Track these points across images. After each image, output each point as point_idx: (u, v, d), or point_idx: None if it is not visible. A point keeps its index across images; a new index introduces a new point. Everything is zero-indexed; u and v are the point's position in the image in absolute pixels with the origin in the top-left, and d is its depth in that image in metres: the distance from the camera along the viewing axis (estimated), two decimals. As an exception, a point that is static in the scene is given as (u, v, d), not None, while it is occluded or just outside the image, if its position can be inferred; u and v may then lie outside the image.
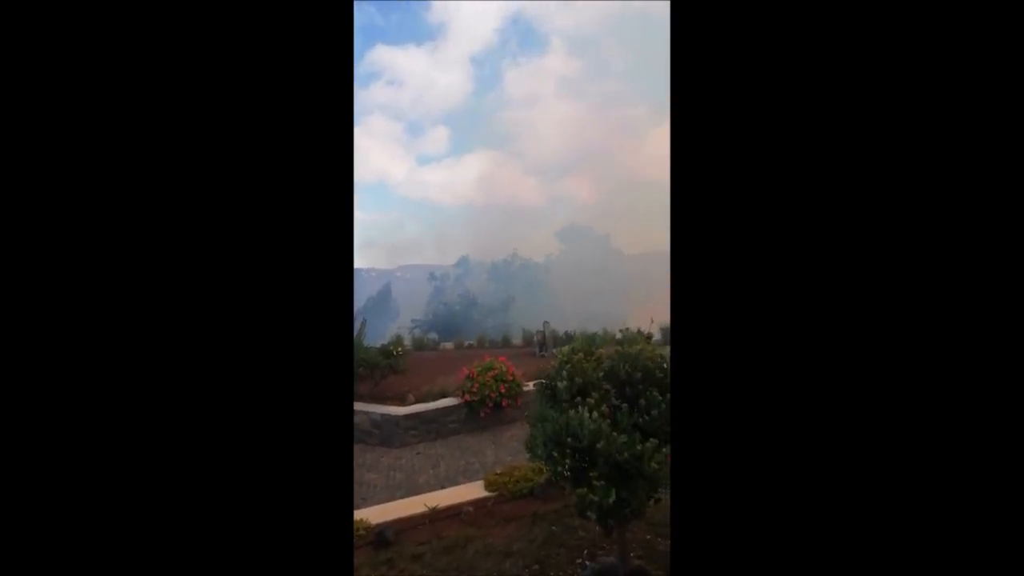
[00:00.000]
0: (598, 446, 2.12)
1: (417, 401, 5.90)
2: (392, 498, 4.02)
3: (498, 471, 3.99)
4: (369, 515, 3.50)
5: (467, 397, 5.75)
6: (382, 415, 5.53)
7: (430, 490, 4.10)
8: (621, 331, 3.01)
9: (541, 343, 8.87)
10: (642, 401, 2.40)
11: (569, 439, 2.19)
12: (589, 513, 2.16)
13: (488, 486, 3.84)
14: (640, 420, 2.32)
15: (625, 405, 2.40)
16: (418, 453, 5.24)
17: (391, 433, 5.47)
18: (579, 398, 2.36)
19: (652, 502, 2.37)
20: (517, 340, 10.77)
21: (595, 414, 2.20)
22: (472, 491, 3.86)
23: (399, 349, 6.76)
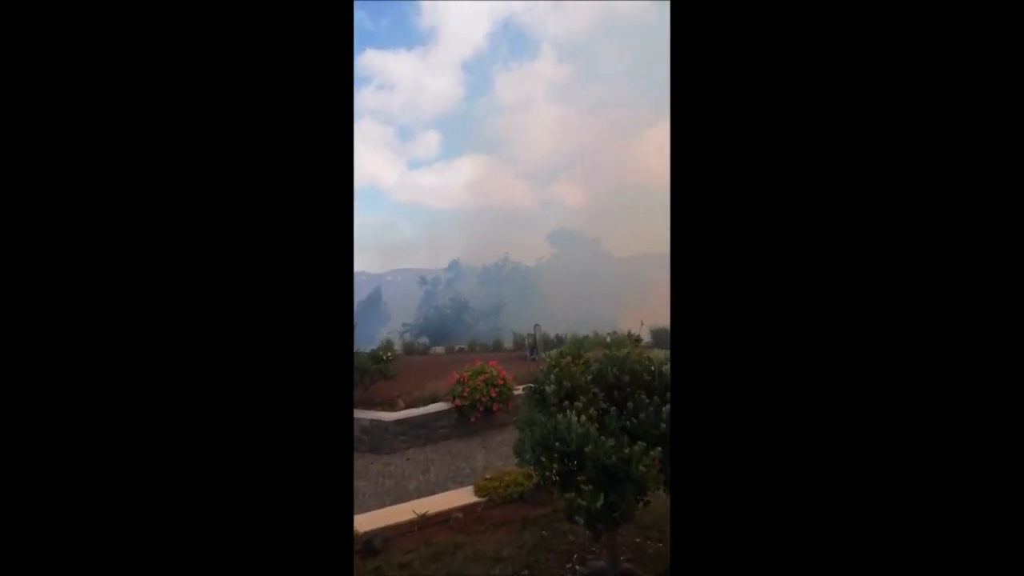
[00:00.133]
0: (586, 450, 2.12)
1: (407, 406, 5.85)
2: (381, 505, 3.98)
3: (488, 476, 3.96)
4: (357, 523, 3.45)
5: (457, 402, 5.72)
6: (371, 421, 5.47)
7: (420, 496, 4.06)
8: (609, 334, 3.02)
9: (532, 347, 8.86)
10: (630, 404, 2.40)
11: (557, 443, 2.19)
12: (577, 518, 2.15)
13: (478, 491, 3.81)
14: (628, 423, 2.33)
15: (613, 408, 2.40)
16: (408, 459, 5.19)
17: (380, 439, 5.42)
18: (567, 402, 2.36)
19: (640, 505, 2.37)
20: (508, 344, 10.75)
21: (583, 418, 2.20)
22: (462, 497, 3.83)
23: (389, 354, 6.71)
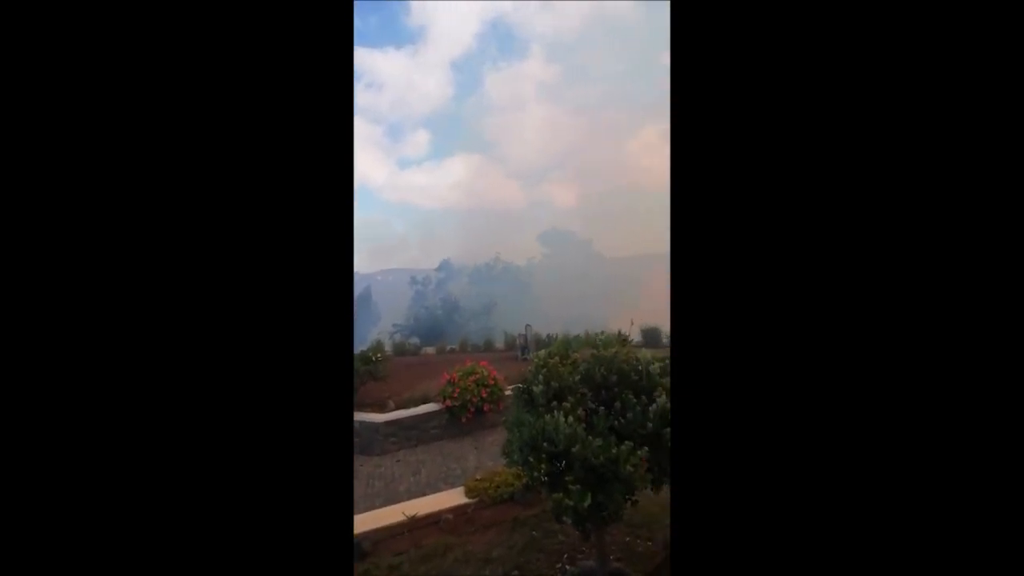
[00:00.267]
0: (573, 450, 2.12)
1: (398, 407, 5.82)
2: (371, 508, 3.95)
3: (478, 477, 3.96)
4: (346, 526, 3.42)
5: (448, 403, 5.70)
6: (361, 422, 5.43)
7: (410, 498, 4.04)
8: (597, 334, 3.03)
9: (523, 347, 8.87)
10: (617, 404, 2.42)
11: (545, 444, 2.19)
12: (565, 518, 2.16)
13: (468, 492, 3.80)
14: (616, 423, 2.34)
15: (602, 408, 2.42)
16: (398, 460, 5.17)
17: (371, 441, 5.38)
18: (555, 402, 2.36)
19: (629, 504, 2.39)
20: (500, 344, 10.74)
21: (570, 418, 2.20)
22: (452, 498, 3.82)
23: (378, 355, 6.67)
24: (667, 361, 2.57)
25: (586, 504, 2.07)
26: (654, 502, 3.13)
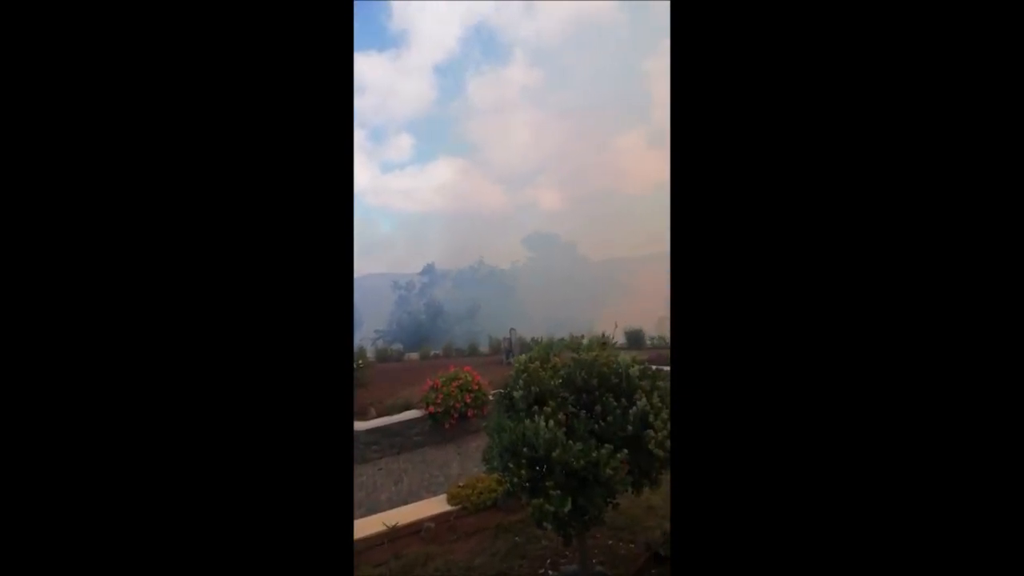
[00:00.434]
0: (553, 455, 2.11)
1: (380, 414, 5.73)
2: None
3: (461, 484, 3.91)
4: (325, 538, 3.33)
5: (431, 409, 5.63)
6: (342, 431, 5.31)
7: (392, 507, 3.97)
8: (578, 337, 3.02)
9: (508, 350, 8.85)
10: (598, 407, 2.42)
11: (525, 449, 2.17)
12: (545, 524, 2.14)
13: (451, 500, 3.75)
14: (596, 426, 2.34)
15: (583, 412, 2.41)
16: (380, 469, 5.07)
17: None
18: (536, 407, 2.35)
19: (610, 507, 2.38)
20: (484, 348, 10.70)
21: (550, 423, 2.19)
22: (434, 506, 3.76)
23: (360, 361, 6.56)
24: (647, 364, 2.58)
25: (566, 509, 2.06)
26: (636, 504, 3.15)
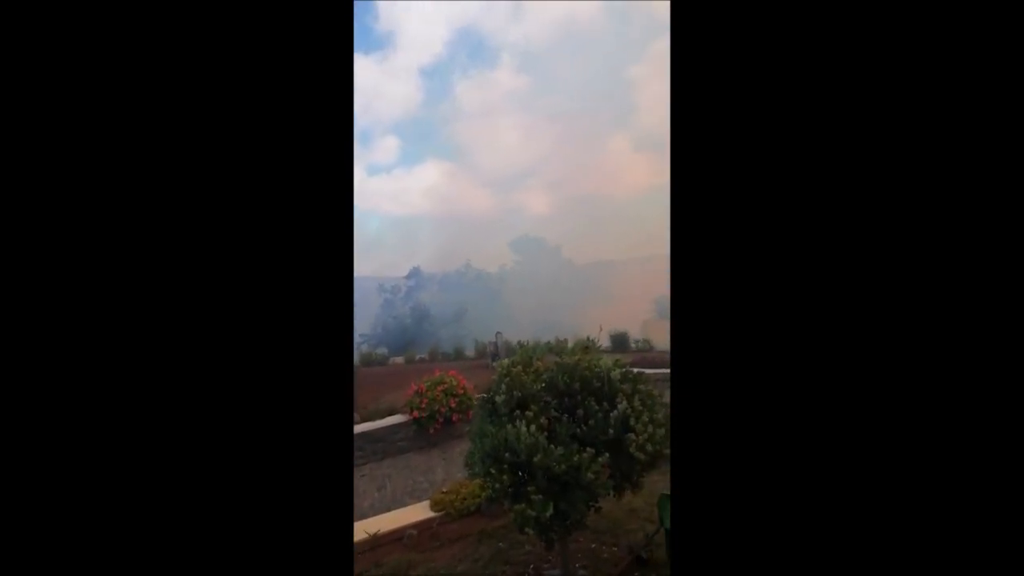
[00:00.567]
0: (535, 460, 2.11)
1: (363, 420, 5.64)
2: (332, 526, 3.79)
3: (445, 490, 3.87)
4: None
5: (416, 413, 5.57)
6: (323, 437, 5.22)
7: (375, 514, 3.91)
8: (560, 340, 3.04)
9: (494, 354, 8.83)
10: (580, 411, 2.43)
11: (507, 454, 2.17)
12: (527, 529, 2.13)
13: (434, 506, 3.72)
14: (578, 430, 2.34)
15: (565, 416, 2.42)
16: (363, 475, 4.99)
17: (333, 456, 5.18)
18: (518, 411, 2.35)
19: (592, 511, 2.39)
20: (470, 352, 10.65)
21: (532, 427, 2.19)
22: (417, 512, 3.72)
23: (343, 366, 6.45)
24: (628, 367, 2.61)
25: (548, 514, 2.06)
26: (618, 507, 3.16)
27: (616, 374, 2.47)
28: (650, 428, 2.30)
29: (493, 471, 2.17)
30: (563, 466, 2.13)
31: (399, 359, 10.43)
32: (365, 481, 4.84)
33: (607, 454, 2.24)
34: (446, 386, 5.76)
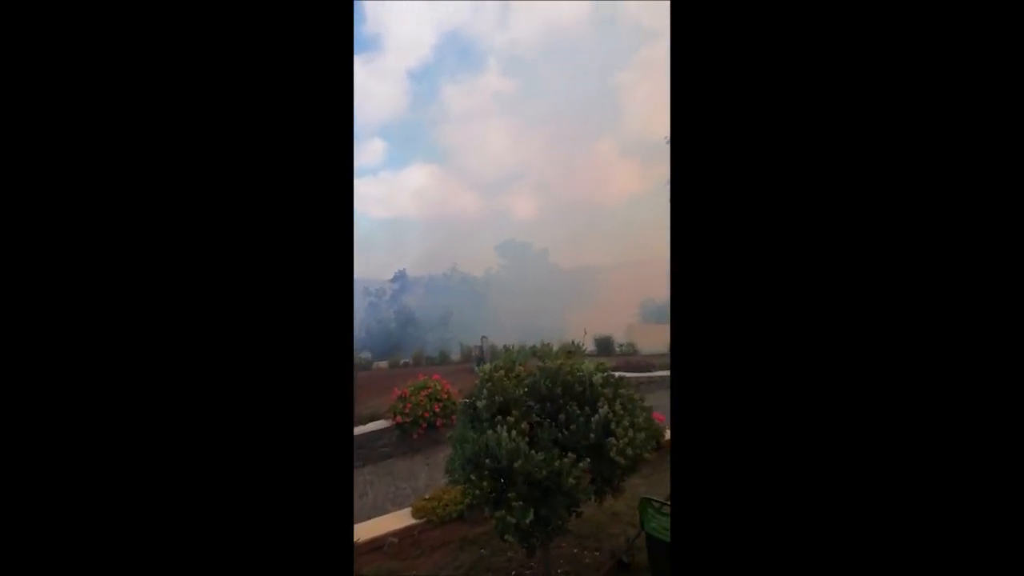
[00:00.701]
0: (515, 466, 2.10)
1: (344, 426, 5.54)
2: (310, 535, 3.70)
3: (427, 496, 3.83)
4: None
5: (399, 419, 5.50)
6: (303, 444, 5.11)
7: (356, 523, 3.83)
8: (545, 344, 3.03)
9: (480, 358, 8.79)
10: (562, 416, 2.43)
11: (487, 460, 2.15)
12: (507, 536, 2.12)
13: (416, 513, 3.67)
14: (559, 435, 2.34)
15: (547, 421, 2.41)
16: (344, 482, 4.90)
17: (314, 463, 5.08)
18: (500, 417, 2.33)
19: (573, 516, 2.39)
20: (456, 356, 10.59)
21: (513, 433, 2.18)
22: (398, 520, 3.66)
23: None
24: (610, 371, 2.62)
25: (528, 520, 2.05)
26: (601, 511, 3.16)
27: (598, 378, 2.48)
28: (630, 432, 2.32)
29: (473, 477, 2.15)
30: (544, 472, 2.13)
31: (383, 363, 10.30)
32: (346, 488, 4.75)
33: (588, 459, 2.24)
34: (430, 391, 5.71)
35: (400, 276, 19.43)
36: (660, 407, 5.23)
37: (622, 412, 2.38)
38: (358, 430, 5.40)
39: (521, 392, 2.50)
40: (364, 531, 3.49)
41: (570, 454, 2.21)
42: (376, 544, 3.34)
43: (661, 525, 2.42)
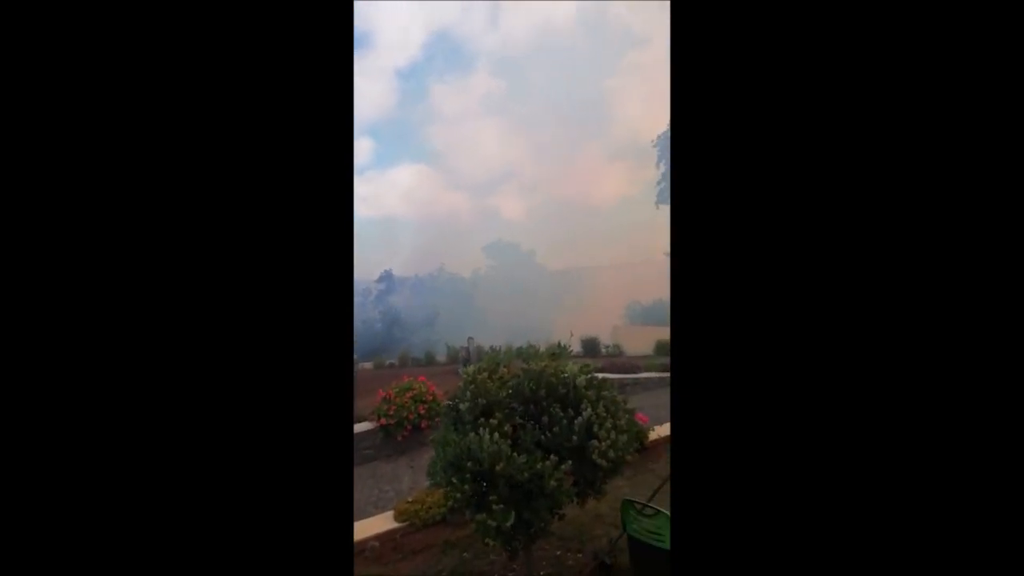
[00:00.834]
0: (497, 468, 2.09)
1: (326, 428, 5.46)
2: (290, 540, 3.63)
3: (410, 499, 3.78)
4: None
5: (383, 421, 5.44)
6: (284, 446, 5.01)
7: (335, 526, 3.77)
8: (532, 345, 3.02)
9: (466, 359, 8.76)
10: (545, 418, 2.42)
11: (469, 463, 2.14)
12: (488, 540, 2.10)
13: (398, 516, 3.62)
14: (542, 437, 2.34)
15: (531, 423, 2.41)
16: (325, 486, 4.82)
17: (295, 466, 4.98)
18: (483, 419, 2.32)
19: (556, 519, 2.38)
20: (442, 357, 10.53)
21: (495, 435, 2.17)
22: (380, 523, 3.61)
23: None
24: (593, 373, 2.63)
25: (509, 523, 2.04)
26: (584, 513, 3.17)
27: (582, 380, 2.48)
28: (613, 435, 2.32)
29: (455, 480, 2.13)
30: (525, 474, 2.12)
31: (368, 364, 10.19)
32: (328, 491, 4.67)
33: (570, 461, 2.24)
34: (415, 392, 5.66)
35: (386, 276, 19.25)
36: (644, 408, 5.27)
37: (605, 414, 2.38)
38: (341, 432, 5.33)
39: (505, 394, 2.48)
40: (345, 535, 3.44)
41: (552, 456, 2.21)
42: (357, 548, 3.29)
43: (643, 527, 2.44)
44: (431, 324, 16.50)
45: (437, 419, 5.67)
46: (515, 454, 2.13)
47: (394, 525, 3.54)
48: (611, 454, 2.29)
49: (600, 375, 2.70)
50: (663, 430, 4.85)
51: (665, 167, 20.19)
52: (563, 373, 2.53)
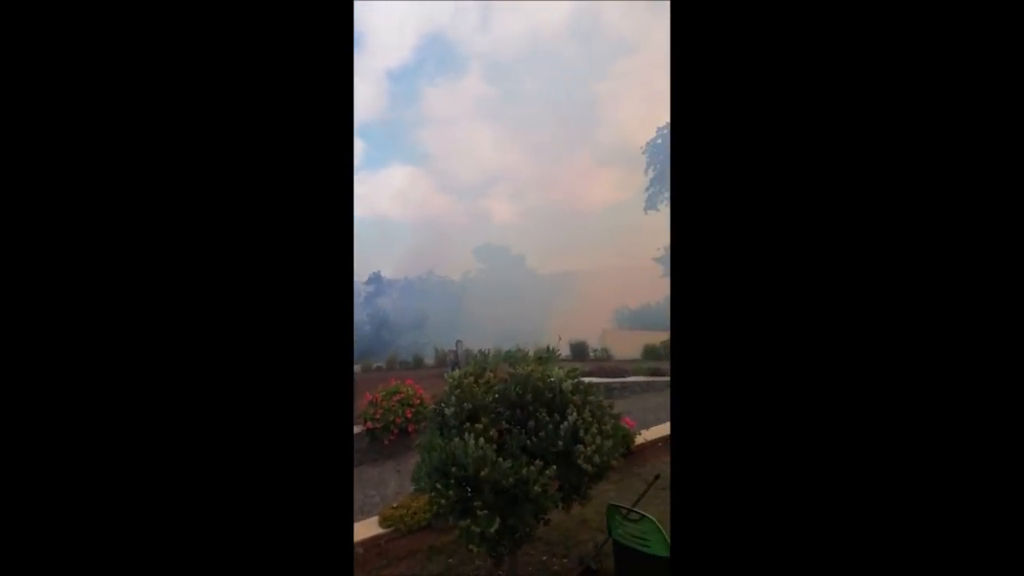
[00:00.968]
0: (482, 474, 2.08)
1: (311, 432, 5.38)
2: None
3: (395, 505, 3.75)
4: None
5: (370, 424, 5.38)
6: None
7: (319, 533, 3.72)
8: (521, 349, 3.02)
9: (454, 363, 8.70)
10: (531, 423, 2.42)
11: (454, 468, 2.12)
12: (472, 546, 2.09)
13: (383, 521, 3.58)
14: (528, 442, 2.33)
15: (517, 428, 2.40)
16: (309, 491, 4.75)
17: (278, 471, 4.90)
18: (468, 424, 2.31)
19: (541, 524, 2.38)
20: (430, 360, 10.46)
21: (480, 440, 2.16)
22: (365, 529, 3.57)
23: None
24: (579, 378, 2.63)
25: (493, 529, 2.03)
26: (570, 518, 3.17)
27: (568, 385, 2.48)
28: (598, 439, 2.33)
29: (439, 486, 2.11)
30: (511, 480, 2.11)
31: (355, 367, 10.07)
32: (312, 497, 4.60)
33: (556, 466, 2.24)
34: (402, 396, 5.61)
35: (375, 278, 19.10)
36: (631, 412, 5.29)
37: (591, 419, 2.39)
38: (326, 436, 5.26)
39: (491, 399, 2.48)
40: (328, 542, 3.39)
41: (538, 461, 2.21)
42: (340, 555, 3.24)
43: (628, 532, 2.44)
44: (420, 327, 16.41)
45: (424, 423, 5.63)
46: (500, 459, 2.12)
47: (379, 531, 3.50)
48: (597, 459, 2.29)
49: (587, 379, 2.71)
50: (649, 434, 4.88)
51: (653, 173, 20.43)
52: (549, 377, 2.53)
